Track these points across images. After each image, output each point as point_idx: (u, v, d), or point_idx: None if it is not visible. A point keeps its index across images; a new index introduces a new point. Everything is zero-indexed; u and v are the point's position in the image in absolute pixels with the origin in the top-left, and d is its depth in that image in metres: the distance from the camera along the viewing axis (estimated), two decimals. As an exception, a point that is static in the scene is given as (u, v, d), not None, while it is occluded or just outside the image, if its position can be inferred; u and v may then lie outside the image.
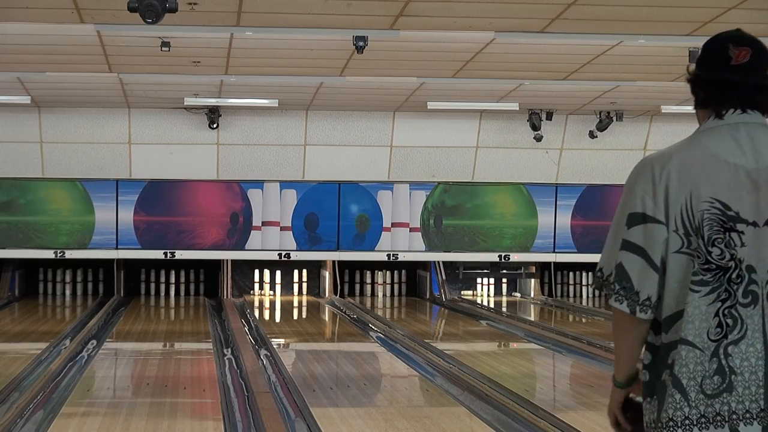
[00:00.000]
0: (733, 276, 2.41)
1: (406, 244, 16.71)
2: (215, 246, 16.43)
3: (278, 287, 17.43)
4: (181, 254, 16.36)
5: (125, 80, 13.08)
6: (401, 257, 16.74)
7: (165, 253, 16.32)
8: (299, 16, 9.26)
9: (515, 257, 16.94)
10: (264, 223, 16.49)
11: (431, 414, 7.13)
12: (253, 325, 13.07)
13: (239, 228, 16.44)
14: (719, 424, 2.44)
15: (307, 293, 17.49)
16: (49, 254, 16.16)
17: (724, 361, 2.42)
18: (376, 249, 16.68)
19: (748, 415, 2.43)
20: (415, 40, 10.35)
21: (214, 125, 15.76)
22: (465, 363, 9.49)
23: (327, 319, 15.18)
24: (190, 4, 8.67)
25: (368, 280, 17.65)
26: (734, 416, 2.43)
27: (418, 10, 9.06)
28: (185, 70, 12.18)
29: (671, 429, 2.46)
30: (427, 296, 17.26)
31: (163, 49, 10.21)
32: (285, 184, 16.48)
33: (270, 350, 10.65)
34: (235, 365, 9.54)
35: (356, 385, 8.57)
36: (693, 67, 2.57)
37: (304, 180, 16.47)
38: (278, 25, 9.63)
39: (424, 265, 17.35)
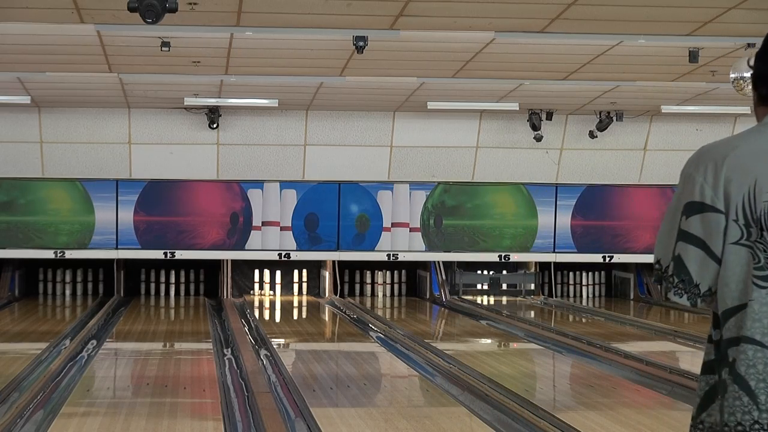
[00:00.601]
0: None
1: (406, 244, 16.71)
2: (215, 246, 16.43)
3: (278, 287, 17.44)
4: (181, 254, 16.36)
5: (125, 80, 13.08)
6: (401, 257, 16.74)
7: (165, 253, 16.32)
8: (299, 16, 9.26)
9: (515, 257, 16.94)
10: (264, 223, 16.49)
11: (431, 414, 7.13)
12: (253, 325, 13.07)
13: (239, 228, 16.44)
14: None
15: (307, 293, 17.49)
16: (49, 254, 16.16)
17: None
18: (376, 249, 16.68)
19: None
20: (415, 40, 10.35)
21: (214, 125, 15.76)
22: (465, 363, 9.49)
23: (327, 319, 15.18)
24: (190, 4, 8.67)
25: (368, 280, 17.66)
26: None
27: (418, 10, 9.05)
28: (185, 70, 12.18)
29: None
30: (427, 296, 17.26)
31: (163, 49, 10.20)
32: (285, 184, 16.48)
33: (270, 350, 10.65)
34: (235, 365, 9.54)
35: (356, 385, 8.57)
36: (752, 60, 2.36)
37: (304, 180, 16.47)
38: (278, 25, 9.63)
39: (424, 265, 17.35)
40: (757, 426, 2.22)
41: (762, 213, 2.26)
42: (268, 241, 16.48)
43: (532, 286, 17.60)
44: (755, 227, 2.26)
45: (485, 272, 17.75)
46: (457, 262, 17.23)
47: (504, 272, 17.79)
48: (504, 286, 17.79)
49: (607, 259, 17.12)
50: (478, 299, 17.21)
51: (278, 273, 17.42)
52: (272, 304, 16.66)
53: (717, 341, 2.35)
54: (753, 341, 2.24)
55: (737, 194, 2.29)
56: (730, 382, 2.27)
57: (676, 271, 2.36)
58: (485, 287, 17.73)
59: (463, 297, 17.16)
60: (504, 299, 17.39)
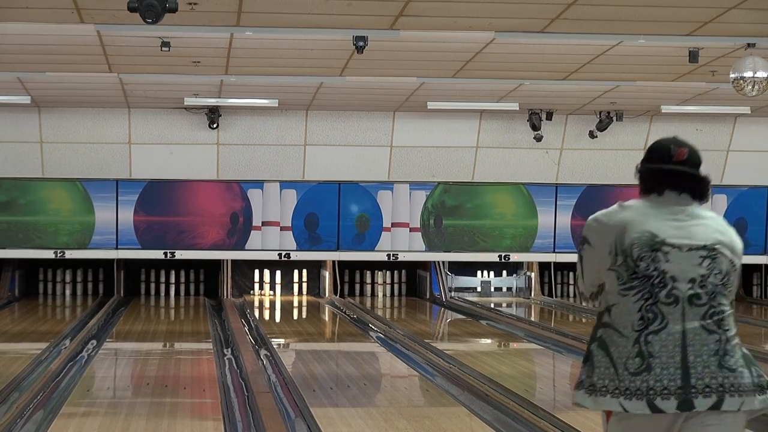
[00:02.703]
0: (656, 281, 3.09)
1: (406, 244, 16.71)
2: (215, 246, 16.43)
3: (278, 287, 17.44)
4: (181, 254, 16.36)
5: (125, 80, 13.08)
6: (401, 257, 16.74)
7: (165, 253, 16.32)
8: (299, 16, 9.26)
9: (515, 257, 16.94)
10: (264, 223, 16.49)
11: (431, 414, 7.13)
12: (253, 325, 13.07)
13: (239, 228, 16.44)
14: (639, 397, 3.05)
15: (307, 293, 17.49)
16: (49, 254, 16.16)
17: (644, 348, 3.06)
18: (376, 249, 16.68)
19: (665, 392, 3.00)
20: (415, 40, 10.35)
21: (214, 125, 15.76)
22: (465, 363, 9.49)
23: (327, 319, 15.18)
24: (190, 4, 8.67)
25: (368, 280, 17.66)
26: (651, 392, 3.02)
27: (418, 10, 9.05)
28: (185, 70, 12.18)
29: (604, 395, 3.15)
30: (427, 296, 17.26)
31: (163, 49, 10.20)
32: (285, 184, 16.47)
33: (270, 350, 10.65)
34: (235, 365, 9.54)
35: (356, 385, 8.57)
36: (640, 165, 3.42)
37: (304, 180, 16.47)
38: (278, 25, 9.63)
39: (424, 265, 17.35)
40: (617, 391, 3.09)
41: (629, 246, 3.16)
42: (268, 241, 16.48)
43: (525, 289, 17.61)
44: (622, 256, 3.18)
45: (478, 275, 17.79)
46: (449, 264, 17.25)
47: (492, 275, 17.82)
48: (493, 289, 17.82)
49: (607, 259, 17.11)
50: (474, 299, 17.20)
51: (278, 273, 17.42)
52: (272, 304, 16.66)
53: (594, 327, 3.28)
54: (616, 329, 3.16)
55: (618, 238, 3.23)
56: (601, 356, 3.17)
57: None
58: (478, 290, 17.77)
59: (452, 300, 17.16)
60: (495, 301, 17.39)
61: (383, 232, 16.68)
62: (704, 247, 3.18)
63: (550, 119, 15.82)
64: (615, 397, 3.11)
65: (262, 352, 10.52)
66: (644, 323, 3.10)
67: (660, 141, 3.40)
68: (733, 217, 17.20)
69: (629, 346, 3.11)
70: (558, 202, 16.97)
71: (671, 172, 3.30)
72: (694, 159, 3.32)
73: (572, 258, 17.51)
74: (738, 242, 3.31)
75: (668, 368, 3.04)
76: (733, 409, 3.06)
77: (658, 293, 3.11)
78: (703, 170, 3.36)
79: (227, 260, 16.79)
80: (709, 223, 3.28)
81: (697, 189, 3.33)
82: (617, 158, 16.80)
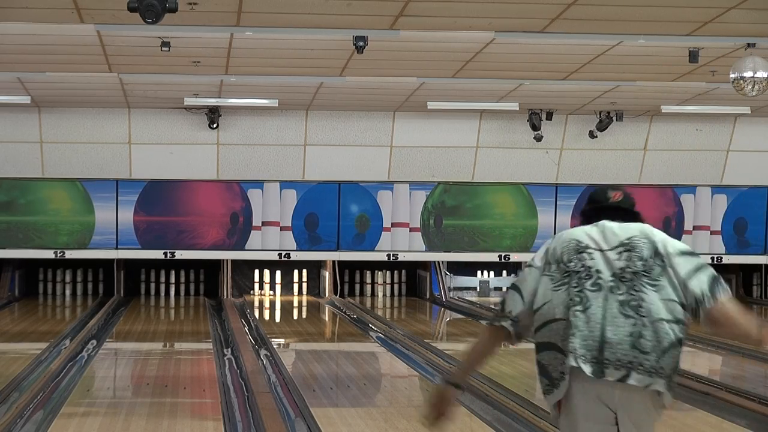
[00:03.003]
0: (583, 275, 3.63)
1: (406, 244, 16.71)
2: (215, 246, 16.43)
3: (278, 287, 17.44)
4: (181, 254, 16.37)
5: (125, 80, 13.09)
6: (401, 257, 16.74)
7: (165, 253, 16.33)
8: (299, 16, 9.26)
9: (515, 257, 16.94)
10: (264, 223, 16.49)
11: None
12: (253, 325, 13.08)
13: (239, 228, 16.44)
14: (568, 354, 3.55)
15: (307, 293, 17.49)
16: (49, 254, 16.17)
17: (572, 320, 3.57)
18: (376, 249, 16.68)
19: (583, 358, 3.52)
20: (415, 40, 10.35)
21: (214, 125, 15.76)
22: (465, 363, 9.47)
23: (327, 319, 15.18)
24: (190, 4, 8.67)
25: (368, 280, 17.66)
26: (573, 352, 3.53)
27: (418, 10, 9.06)
28: (185, 70, 12.18)
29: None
30: (427, 296, 17.26)
31: (163, 49, 10.20)
32: (285, 184, 16.48)
33: (270, 350, 10.65)
34: (235, 365, 9.55)
35: (356, 385, 8.57)
36: (584, 208, 3.94)
37: (304, 180, 16.47)
38: (278, 25, 9.63)
39: (424, 265, 17.35)
40: (549, 392, 3.62)
41: (561, 252, 3.73)
42: (268, 241, 16.48)
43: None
44: (555, 264, 3.74)
45: (477, 275, 17.80)
46: (448, 264, 17.26)
47: (491, 275, 17.83)
48: (493, 289, 17.82)
49: (607, 259, 17.12)
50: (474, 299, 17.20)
51: (278, 273, 17.42)
52: (272, 304, 16.67)
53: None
54: (557, 320, 3.65)
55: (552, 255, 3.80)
56: (540, 367, 3.73)
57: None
58: (477, 289, 17.78)
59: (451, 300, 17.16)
60: (495, 301, 17.36)
61: (383, 232, 16.69)
62: (621, 244, 3.69)
63: (550, 119, 15.82)
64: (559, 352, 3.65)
65: (262, 352, 10.53)
66: (572, 304, 3.59)
67: (599, 188, 3.97)
68: (733, 217, 17.21)
69: (562, 328, 3.60)
70: (558, 202, 16.97)
71: (608, 208, 3.85)
72: (627, 200, 3.88)
73: (572, 258, 17.55)
74: (659, 235, 3.75)
75: (588, 340, 3.53)
76: (639, 385, 3.51)
77: (584, 283, 3.61)
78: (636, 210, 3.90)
79: (227, 260, 16.79)
80: (629, 227, 3.77)
81: (629, 220, 3.81)
82: (617, 158, 16.80)
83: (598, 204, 3.88)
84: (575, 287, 3.62)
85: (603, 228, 3.76)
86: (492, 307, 16.23)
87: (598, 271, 3.64)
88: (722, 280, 3.68)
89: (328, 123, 16.13)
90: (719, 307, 3.61)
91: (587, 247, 3.71)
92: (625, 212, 3.82)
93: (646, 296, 3.58)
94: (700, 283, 3.61)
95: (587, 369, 3.51)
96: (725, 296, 3.63)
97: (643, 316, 3.55)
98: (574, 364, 3.53)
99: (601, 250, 3.68)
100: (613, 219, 3.78)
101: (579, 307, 3.58)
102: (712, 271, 3.67)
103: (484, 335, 3.95)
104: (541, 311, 3.66)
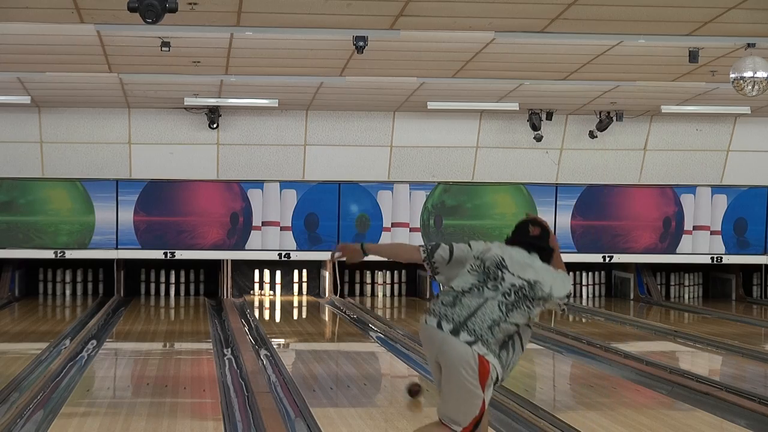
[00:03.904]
0: (491, 276, 5.04)
1: (406, 244, 16.68)
2: (215, 246, 16.43)
3: (278, 287, 17.44)
4: (181, 254, 16.37)
5: (125, 80, 13.09)
6: (401, 257, 16.71)
7: (165, 253, 16.33)
8: (299, 16, 9.26)
9: (515, 257, 16.92)
10: (264, 223, 16.49)
11: (431, 414, 7.11)
12: (253, 325, 13.08)
13: (239, 228, 16.44)
14: (446, 319, 4.96)
15: (307, 293, 17.49)
16: (49, 254, 16.17)
17: (459, 297, 5.01)
18: (376, 249, 16.65)
19: (446, 318, 4.95)
20: (415, 40, 10.36)
21: (214, 125, 15.76)
22: (465, 363, 9.46)
23: (327, 319, 15.18)
24: (190, 4, 8.67)
25: (368, 280, 17.66)
26: (453, 318, 4.95)
27: (418, 10, 9.06)
28: (185, 70, 12.19)
29: (432, 316, 5.05)
30: (427, 296, 17.25)
31: (163, 49, 10.21)
32: (285, 184, 16.48)
33: (270, 350, 10.65)
34: (235, 365, 9.55)
35: (356, 385, 8.57)
36: (511, 234, 5.30)
37: (304, 180, 16.47)
38: (278, 25, 9.63)
39: (425, 266, 17.31)
40: (440, 311, 5.07)
41: (485, 259, 5.12)
42: (268, 241, 16.48)
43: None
44: (479, 261, 5.13)
45: None
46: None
47: None
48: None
49: (607, 259, 17.13)
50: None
51: (278, 273, 17.42)
52: (272, 304, 16.66)
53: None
54: (450, 287, 5.15)
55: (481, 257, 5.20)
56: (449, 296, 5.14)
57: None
58: None
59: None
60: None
61: (383, 232, 16.69)
62: (525, 282, 5.05)
63: (550, 119, 15.83)
64: (438, 313, 5.03)
65: (262, 352, 10.53)
66: (469, 289, 5.02)
67: (523, 220, 5.32)
68: (733, 217, 17.21)
69: (450, 296, 5.04)
70: (558, 202, 16.97)
71: (527, 241, 5.20)
72: (543, 236, 5.23)
73: (572, 258, 17.58)
74: (554, 285, 5.08)
75: (462, 311, 4.97)
76: (480, 352, 4.89)
77: (487, 281, 5.04)
78: (551, 242, 5.26)
79: (227, 260, 16.79)
80: (537, 268, 5.11)
81: (542, 254, 5.18)
82: (617, 158, 16.81)
83: (522, 236, 5.22)
84: (480, 281, 5.02)
85: (519, 257, 5.12)
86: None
87: (503, 280, 5.03)
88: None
89: (328, 123, 16.13)
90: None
91: (504, 266, 5.08)
92: (540, 248, 5.18)
93: (516, 321, 4.99)
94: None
95: (447, 328, 4.92)
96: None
97: (507, 320, 4.96)
98: (433, 323, 4.99)
99: (511, 273, 5.05)
100: (530, 250, 5.14)
101: (472, 293, 4.99)
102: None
103: (411, 246, 5.44)
104: (456, 279, 5.10)
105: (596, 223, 17.05)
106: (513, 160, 16.65)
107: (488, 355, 4.88)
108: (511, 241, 5.22)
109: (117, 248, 16.23)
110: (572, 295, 5.53)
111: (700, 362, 11.06)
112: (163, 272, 17.37)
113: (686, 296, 18.14)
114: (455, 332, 4.89)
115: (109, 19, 9.27)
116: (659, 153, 16.79)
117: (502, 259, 5.08)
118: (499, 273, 5.06)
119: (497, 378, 4.97)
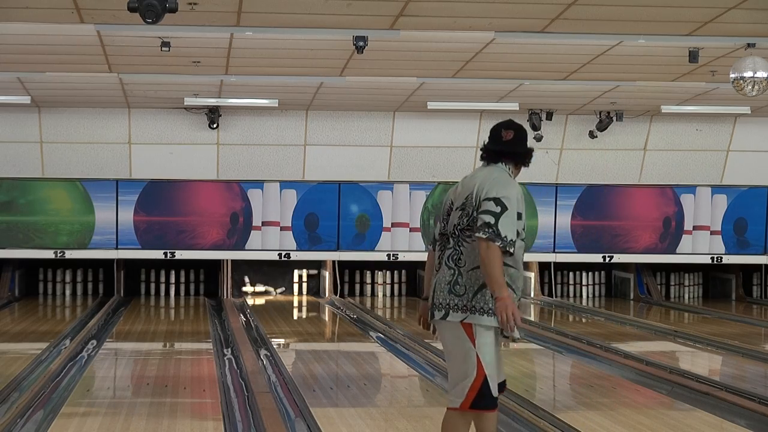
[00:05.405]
0: (446, 229, 5.04)
1: (406, 244, 16.71)
2: (215, 246, 16.43)
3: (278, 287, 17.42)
4: (181, 254, 16.37)
5: (125, 80, 13.09)
6: (401, 257, 16.74)
7: (165, 253, 16.33)
8: (299, 16, 9.26)
9: (515, 257, 16.91)
10: (264, 223, 16.49)
11: (431, 414, 7.13)
12: (253, 325, 13.08)
13: (239, 228, 16.44)
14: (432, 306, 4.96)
15: (307, 293, 17.49)
16: (49, 254, 16.17)
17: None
18: (376, 249, 16.69)
19: (432, 305, 4.99)
20: (415, 40, 10.36)
21: (214, 125, 15.76)
22: (465, 363, 9.46)
23: (327, 319, 15.18)
24: (190, 4, 8.67)
25: (368, 280, 17.65)
26: (432, 301, 4.97)
27: (418, 10, 9.06)
28: (185, 70, 12.19)
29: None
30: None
31: (163, 49, 10.21)
32: (285, 184, 16.48)
33: (270, 350, 10.65)
34: (235, 365, 9.55)
35: (356, 385, 8.57)
36: (486, 142, 5.04)
37: (304, 180, 16.47)
38: (278, 25, 9.63)
39: (424, 265, 17.31)
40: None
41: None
42: (268, 241, 16.48)
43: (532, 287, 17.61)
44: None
45: None
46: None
47: None
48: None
49: (607, 259, 17.13)
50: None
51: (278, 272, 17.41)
52: (269, 303, 16.65)
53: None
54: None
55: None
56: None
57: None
58: None
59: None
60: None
61: (383, 232, 16.69)
62: (460, 209, 4.80)
63: (550, 119, 15.83)
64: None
65: (262, 352, 10.53)
66: (439, 260, 5.01)
67: (496, 125, 5.05)
68: (733, 217, 17.21)
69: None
70: (558, 202, 16.97)
71: (495, 151, 5.02)
72: (517, 139, 4.95)
73: (572, 258, 17.56)
74: (486, 188, 4.88)
75: (435, 288, 4.96)
76: (456, 320, 4.86)
77: (442, 240, 4.93)
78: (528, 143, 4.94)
79: (227, 260, 16.79)
80: (480, 178, 4.94)
81: (516, 159, 5.03)
82: (617, 158, 16.81)
83: (494, 143, 5.05)
84: (440, 244, 4.93)
85: (470, 181, 4.96)
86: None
87: (448, 229, 4.88)
88: (497, 228, 4.69)
89: (328, 123, 16.13)
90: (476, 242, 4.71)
91: (452, 208, 4.96)
92: (513, 153, 5.04)
93: (464, 248, 4.77)
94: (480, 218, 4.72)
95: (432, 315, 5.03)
96: (484, 236, 4.66)
97: (461, 266, 4.81)
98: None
99: (455, 210, 4.86)
100: (497, 160, 5.10)
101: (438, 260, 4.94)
102: (495, 218, 4.68)
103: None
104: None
105: (596, 223, 17.04)
106: (513, 160, 16.62)
107: (467, 317, 4.83)
108: (484, 150, 5.09)
109: (117, 248, 16.23)
110: (504, 209, 4.95)
111: (700, 362, 11.06)
112: (163, 272, 17.37)
113: (686, 296, 18.14)
114: (432, 314, 4.94)
115: (109, 19, 9.27)
116: (659, 153, 16.79)
117: (452, 201, 4.92)
118: (448, 219, 4.87)
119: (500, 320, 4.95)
